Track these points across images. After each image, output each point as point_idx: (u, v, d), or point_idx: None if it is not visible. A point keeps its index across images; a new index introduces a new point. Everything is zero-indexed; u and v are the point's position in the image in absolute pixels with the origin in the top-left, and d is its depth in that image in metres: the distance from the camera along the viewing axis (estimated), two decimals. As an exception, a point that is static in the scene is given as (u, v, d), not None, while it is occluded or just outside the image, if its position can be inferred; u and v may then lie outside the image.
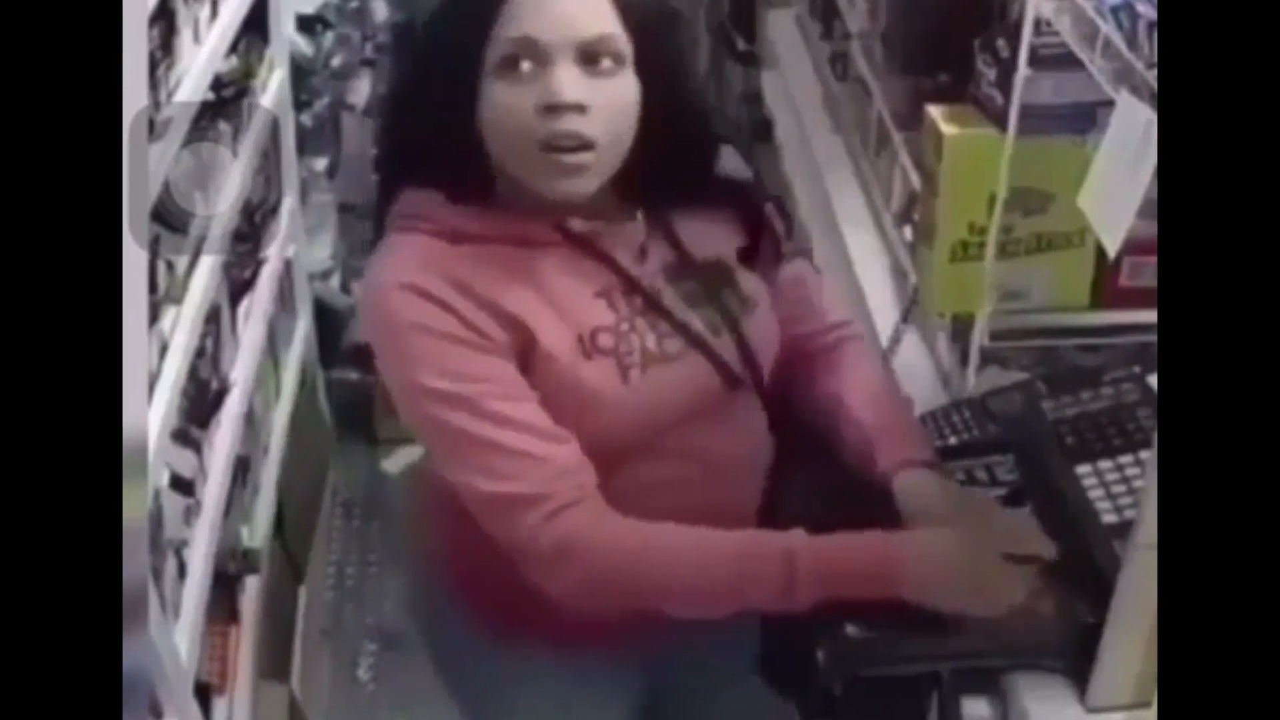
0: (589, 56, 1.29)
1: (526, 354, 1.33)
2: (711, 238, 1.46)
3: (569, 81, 1.27)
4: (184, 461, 2.08)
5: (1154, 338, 0.99)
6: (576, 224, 1.38)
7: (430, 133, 1.34)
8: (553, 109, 1.27)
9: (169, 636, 1.78)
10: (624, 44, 1.30)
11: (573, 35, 1.28)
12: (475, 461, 1.32)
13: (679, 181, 1.41)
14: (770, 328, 1.49)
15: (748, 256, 1.49)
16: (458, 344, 1.30)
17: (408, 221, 1.37)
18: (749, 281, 1.48)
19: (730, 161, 1.48)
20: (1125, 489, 1.41)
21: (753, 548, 1.33)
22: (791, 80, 2.98)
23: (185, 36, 2.08)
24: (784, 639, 1.42)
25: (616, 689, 1.59)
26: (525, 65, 1.28)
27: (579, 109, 1.28)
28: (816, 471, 1.52)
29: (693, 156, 1.42)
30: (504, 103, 1.29)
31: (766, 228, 1.50)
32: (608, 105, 1.30)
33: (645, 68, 1.33)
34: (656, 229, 1.43)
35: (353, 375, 3.37)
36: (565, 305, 1.35)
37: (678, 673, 1.61)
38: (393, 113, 1.47)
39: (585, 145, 1.29)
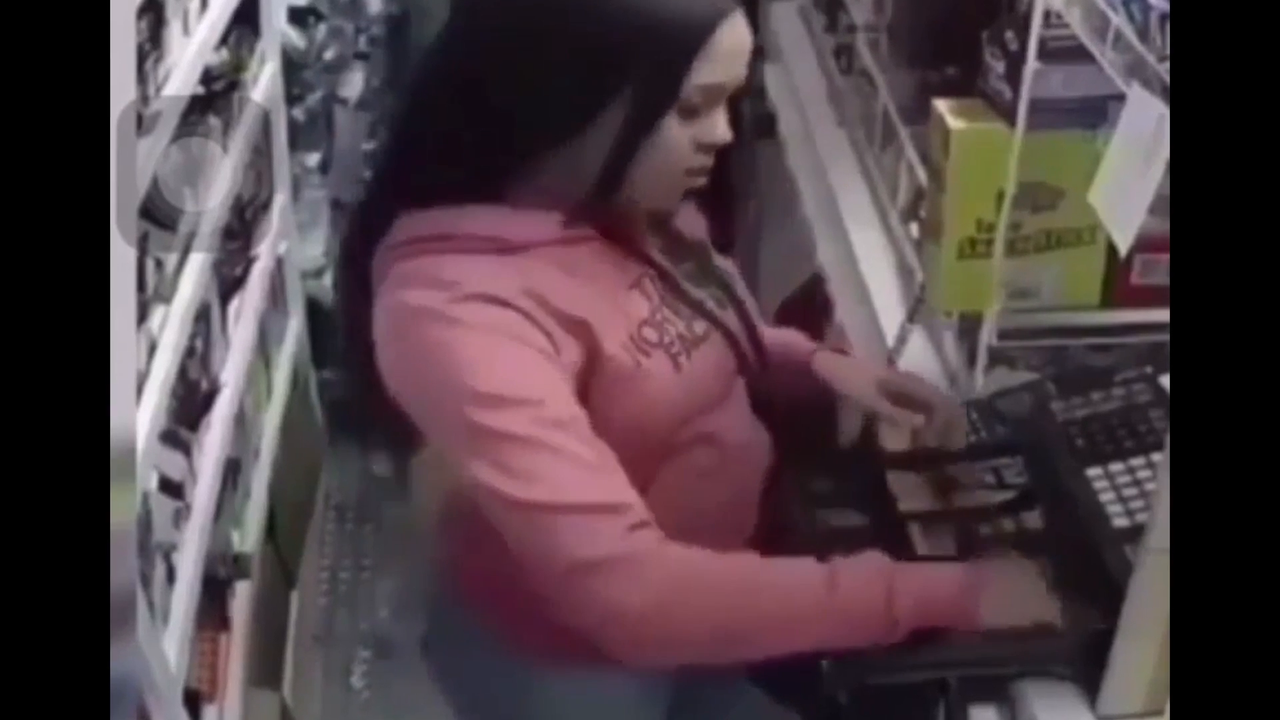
0: None
1: (592, 361, 1.30)
2: (690, 220, 1.51)
3: (723, 121, 1.35)
4: (173, 464, 2.08)
5: (1166, 337, 0.99)
6: (609, 223, 1.38)
7: (574, 148, 1.30)
8: (710, 147, 1.34)
9: (157, 643, 1.78)
10: None
11: (738, 82, 1.34)
12: (544, 471, 1.21)
13: None
14: (752, 306, 1.54)
15: (714, 236, 1.55)
16: (536, 352, 1.25)
17: (446, 244, 1.29)
18: (722, 261, 1.54)
19: None
20: (1137, 492, 1.41)
21: (849, 581, 1.27)
22: (795, 74, 2.98)
23: (174, 28, 2.08)
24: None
25: (646, 705, 1.59)
26: (700, 104, 1.31)
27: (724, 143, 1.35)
28: (815, 485, 1.54)
29: None
30: (674, 137, 1.31)
31: (724, 211, 1.56)
32: None
33: None
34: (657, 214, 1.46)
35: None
36: (616, 301, 1.36)
37: (702, 681, 1.60)
38: (413, 125, 1.38)
39: (705, 172, 1.37)
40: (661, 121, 1.30)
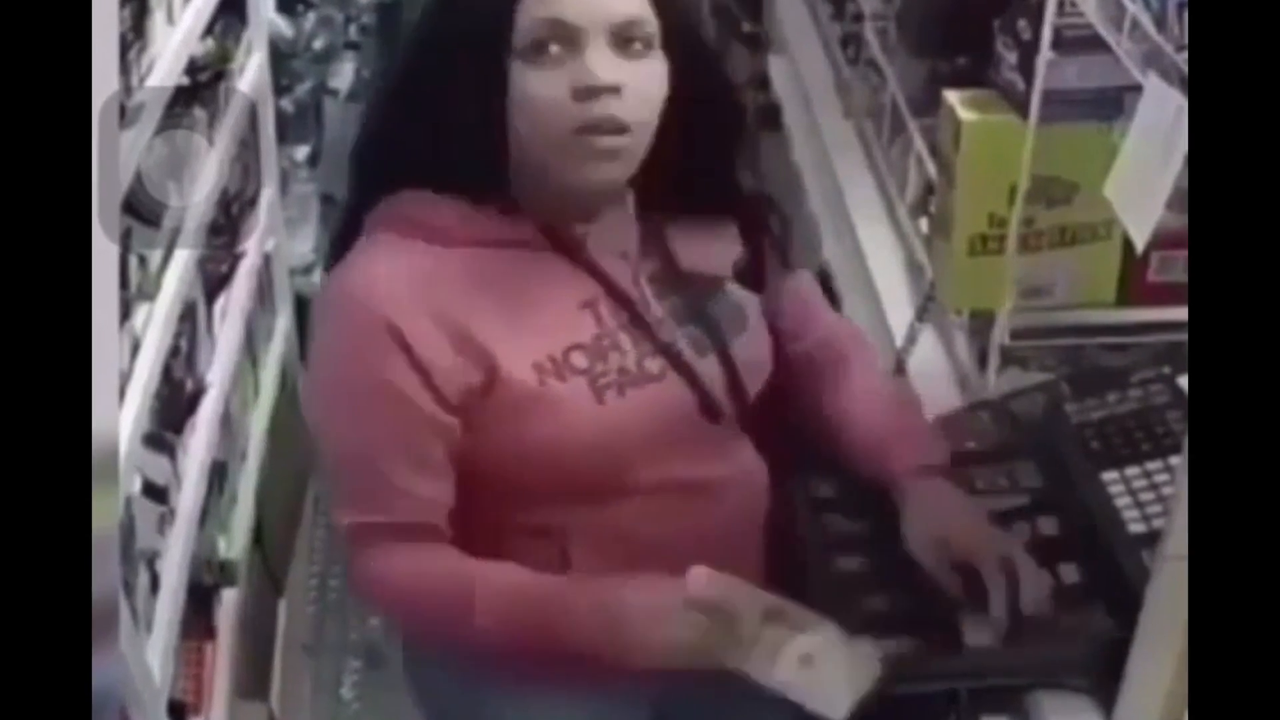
0: (620, 38, 1.30)
1: (490, 384, 1.33)
2: (705, 247, 1.46)
3: (604, 63, 1.28)
4: (157, 467, 2.08)
5: (1184, 336, 0.99)
6: (566, 226, 1.38)
7: (443, 123, 1.33)
8: (589, 92, 1.28)
9: (141, 653, 1.78)
10: (653, 26, 1.32)
11: (603, 16, 1.29)
12: (345, 487, 1.40)
13: (689, 183, 1.40)
14: (761, 349, 1.48)
15: (745, 270, 1.49)
16: (396, 379, 1.32)
17: (394, 223, 1.37)
18: (741, 298, 1.47)
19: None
20: (1154, 497, 1.41)
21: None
22: (800, 63, 2.98)
23: (158, 17, 2.08)
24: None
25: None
26: (554, 49, 1.28)
27: (614, 91, 1.28)
28: (819, 490, 1.53)
29: (712, 156, 1.42)
30: (535, 88, 1.29)
31: (769, 240, 1.51)
32: (641, 88, 1.31)
33: (675, 53, 1.34)
34: (649, 234, 1.43)
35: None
36: (544, 320, 1.36)
37: (686, 703, 1.59)
38: (390, 102, 1.42)
39: (621, 129, 1.30)
40: (508, 68, 1.29)
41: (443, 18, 1.36)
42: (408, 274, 1.34)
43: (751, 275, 1.50)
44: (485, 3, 1.30)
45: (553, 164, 1.32)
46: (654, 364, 1.39)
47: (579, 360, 1.36)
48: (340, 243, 1.42)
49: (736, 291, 1.48)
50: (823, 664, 1.28)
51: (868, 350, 1.62)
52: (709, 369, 1.42)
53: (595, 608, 1.30)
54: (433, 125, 1.33)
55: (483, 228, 1.36)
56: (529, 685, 1.48)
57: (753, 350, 1.47)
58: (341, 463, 1.39)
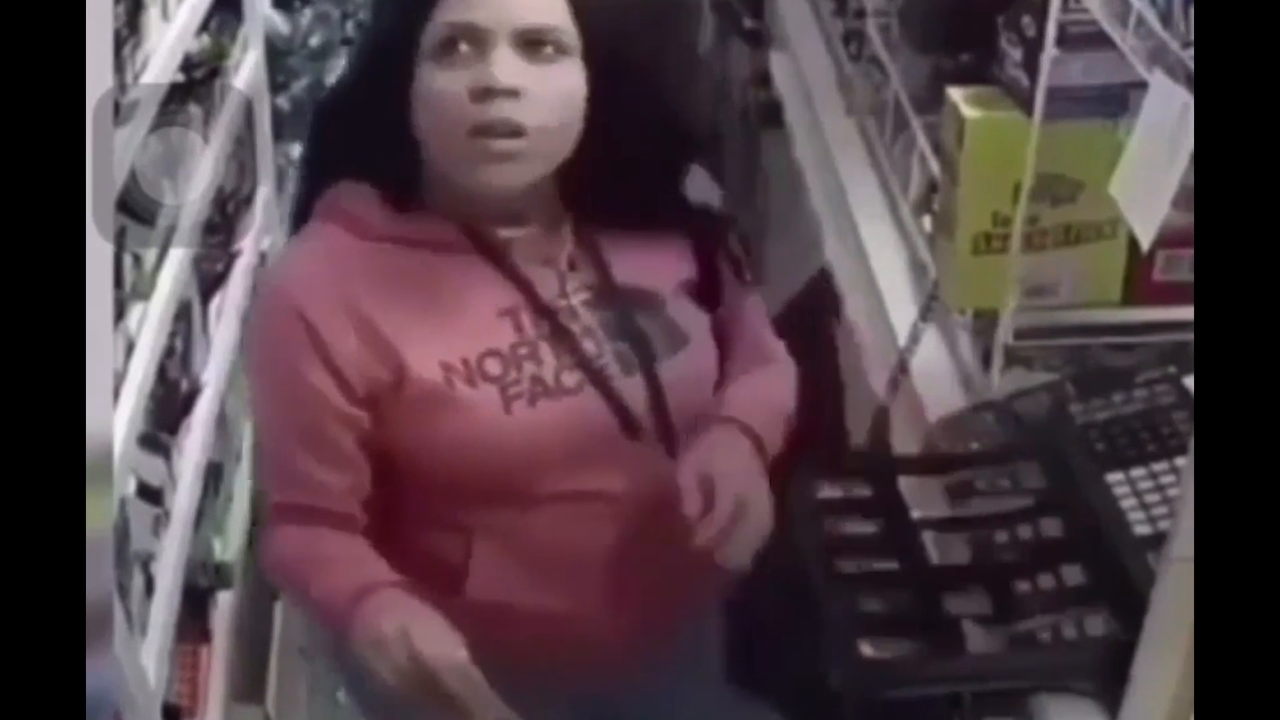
0: (529, 43, 1.32)
1: (399, 381, 1.36)
2: (646, 263, 1.45)
3: (505, 66, 1.30)
4: (152, 468, 2.08)
5: (1190, 336, 0.99)
6: (490, 231, 1.39)
7: (362, 121, 1.38)
8: (486, 93, 1.30)
9: (135, 656, 1.78)
10: (570, 35, 1.33)
11: (510, 21, 1.30)
12: (262, 467, 1.50)
13: (624, 196, 1.41)
14: (700, 369, 1.48)
15: (697, 288, 1.48)
16: (309, 369, 1.36)
17: (328, 213, 1.41)
18: (685, 317, 1.47)
19: (699, 183, 1.49)
20: (1159, 498, 1.41)
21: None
22: (802, 60, 2.98)
23: (153, 13, 2.08)
24: (790, 658, 1.42)
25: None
26: (463, 48, 1.31)
27: (512, 94, 1.30)
28: (819, 492, 1.53)
29: (643, 169, 1.41)
30: (437, 86, 1.31)
31: (725, 260, 1.50)
32: (545, 93, 1.32)
33: (597, 62, 1.34)
34: (583, 245, 1.43)
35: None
36: (458, 322, 1.38)
37: (619, 706, 1.59)
38: (329, 101, 1.51)
39: (516, 132, 1.31)
40: (416, 69, 1.32)
41: (372, 21, 1.43)
42: (325, 265, 1.38)
43: (705, 293, 1.50)
44: (404, 6, 1.35)
45: (450, 165, 1.35)
46: (571, 378, 1.40)
47: (493, 367, 1.37)
48: (292, 236, 1.48)
49: (681, 309, 1.47)
50: None
51: (784, 364, 1.60)
52: (632, 386, 1.42)
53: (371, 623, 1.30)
54: (357, 124, 1.38)
55: (403, 225, 1.39)
56: None
57: (689, 369, 1.46)
58: (260, 444, 1.49)
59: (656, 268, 1.46)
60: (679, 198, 1.46)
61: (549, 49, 1.32)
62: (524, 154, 1.32)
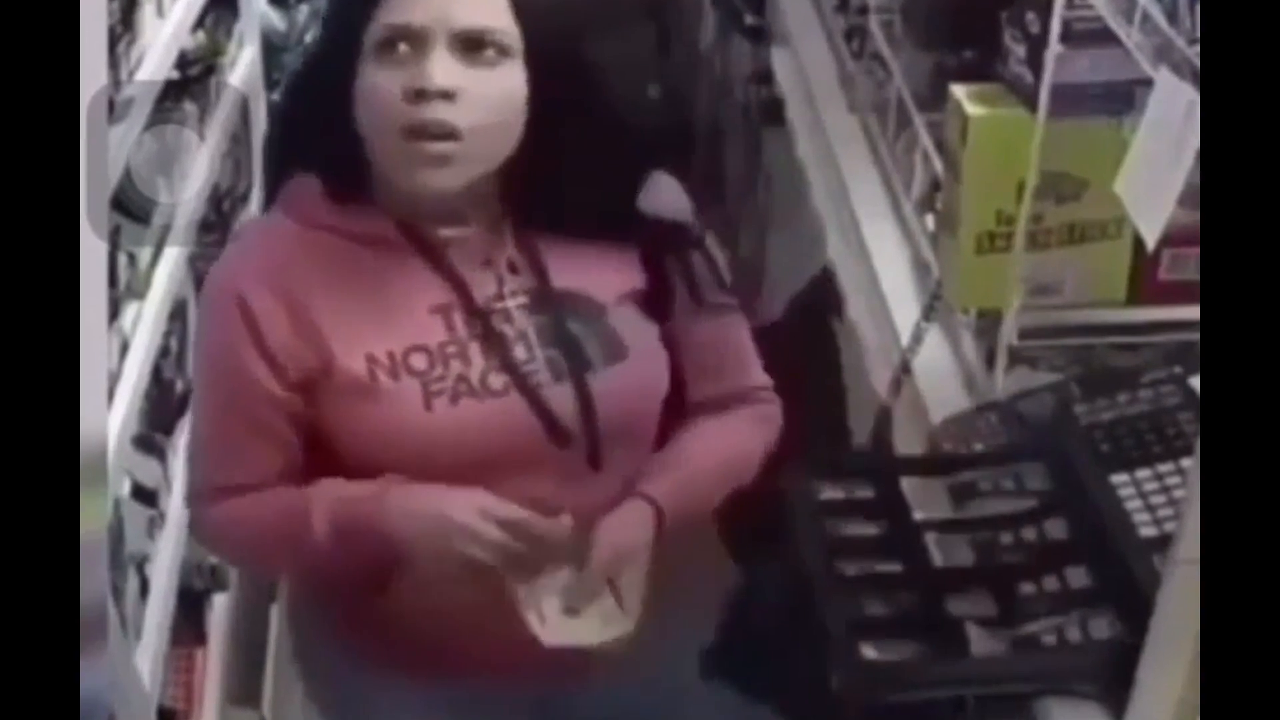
0: (469, 45, 1.32)
1: (327, 368, 1.39)
2: (588, 270, 1.44)
3: (440, 68, 1.31)
4: (146, 470, 2.08)
5: (1196, 336, 0.99)
6: (427, 230, 1.40)
7: (311, 118, 1.41)
8: (420, 94, 1.31)
9: (130, 659, 1.78)
10: (511, 37, 1.33)
11: (449, 22, 1.31)
12: (193, 447, 1.52)
13: (563, 199, 1.40)
14: (639, 382, 1.46)
15: (645, 300, 1.47)
16: (244, 355, 1.39)
17: (280, 203, 1.45)
18: (629, 327, 1.45)
19: (669, 193, 1.48)
20: (1165, 500, 1.41)
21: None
22: (804, 57, 2.98)
23: (148, 10, 2.07)
24: (791, 661, 1.42)
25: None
26: (402, 49, 1.32)
27: (447, 96, 1.31)
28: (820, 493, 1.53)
29: (587, 174, 1.40)
30: (375, 86, 1.33)
31: (680, 273, 1.47)
32: (482, 95, 1.32)
33: (537, 66, 1.34)
34: (524, 250, 1.43)
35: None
36: (388, 316, 1.39)
37: (569, 699, 1.59)
38: (283, 95, 1.59)
39: (451, 134, 1.32)
40: (357, 67, 1.34)
41: (323, 19, 1.49)
42: (266, 252, 1.43)
43: (655, 305, 1.48)
44: (348, 5, 1.37)
45: (386, 165, 1.37)
46: (498, 380, 1.40)
47: (418, 362, 1.39)
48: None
49: (625, 319, 1.45)
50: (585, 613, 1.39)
51: (758, 406, 1.56)
52: (561, 393, 1.41)
53: (412, 512, 1.37)
54: (306, 119, 1.43)
55: (344, 218, 1.41)
56: (413, 675, 1.52)
57: (625, 381, 1.44)
58: (195, 426, 1.51)
59: (599, 275, 1.45)
60: (628, 205, 1.44)
61: (490, 51, 1.32)
62: (458, 157, 1.33)
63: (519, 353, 1.41)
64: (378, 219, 1.41)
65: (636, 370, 1.45)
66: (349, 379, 1.38)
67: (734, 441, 1.53)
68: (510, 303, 1.42)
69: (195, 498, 1.51)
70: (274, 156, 1.52)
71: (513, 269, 1.43)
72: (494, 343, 1.40)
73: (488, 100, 1.32)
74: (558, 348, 1.42)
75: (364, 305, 1.40)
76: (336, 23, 1.42)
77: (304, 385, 1.40)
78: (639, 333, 1.46)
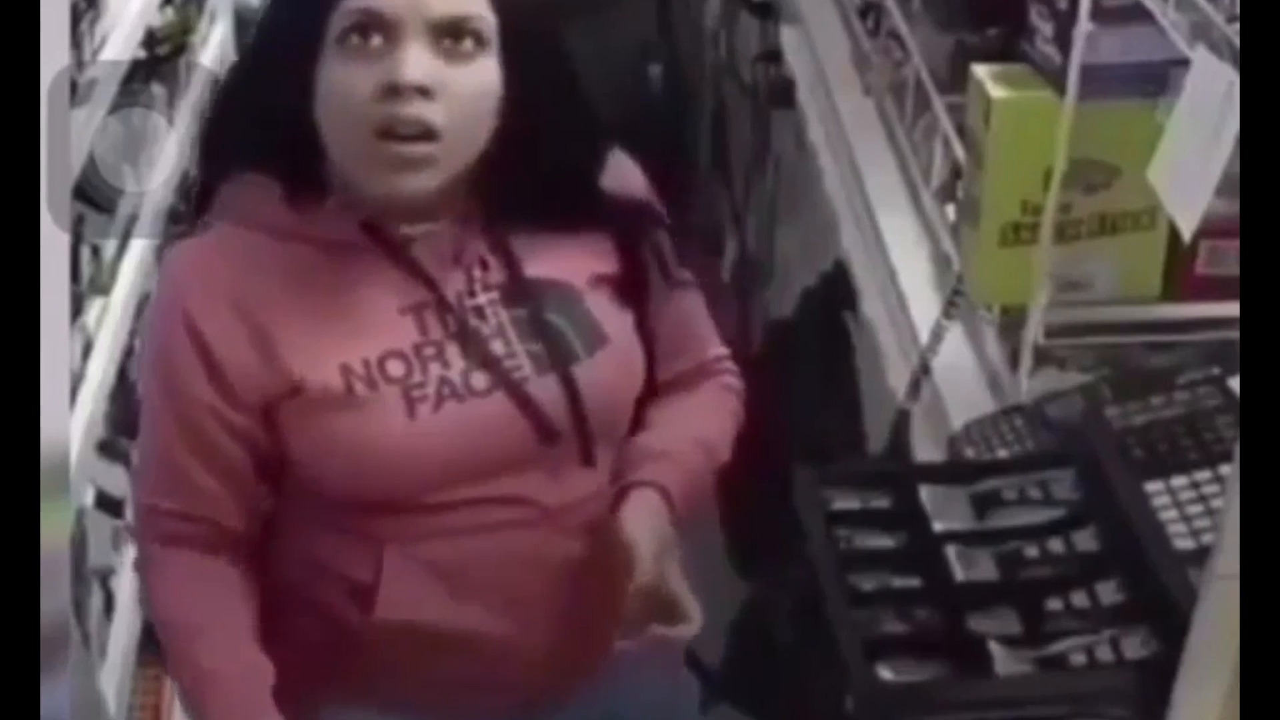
0: (444, 36, 1.30)
1: (297, 389, 1.37)
2: (561, 258, 1.45)
3: (416, 61, 1.29)
4: (111, 477, 2.09)
5: (1235, 334, 0.99)
6: (389, 227, 1.39)
7: (260, 110, 1.37)
8: (394, 91, 1.29)
9: (93, 679, 1.78)
10: (488, 25, 1.32)
11: (425, 10, 1.29)
12: (137, 465, 1.51)
13: (533, 189, 1.41)
14: (620, 369, 1.47)
15: (619, 283, 1.48)
16: (193, 399, 1.38)
17: (225, 207, 1.41)
18: (606, 314, 1.46)
19: (630, 171, 1.49)
20: (1202, 509, 1.41)
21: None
22: (816, 35, 2.98)
23: (113, -15, 2.08)
24: (804, 682, 1.42)
25: None
26: (373, 40, 1.30)
27: (424, 93, 1.29)
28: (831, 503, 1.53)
29: (556, 162, 1.41)
30: (340, 80, 1.30)
31: (649, 253, 1.49)
32: (460, 92, 1.31)
33: (513, 55, 1.34)
34: (494, 242, 1.43)
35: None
36: (358, 323, 1.38)
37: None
38: (227, 85, 1.51)
39: (428, 134, 1.30)
40: (317, 58, 1.31)
41: (273, 2, 1.42)
42: (216, 264, 1.40)
43: (628, 290, 1.49)
44: None
45: (352, 167, 1.34)
46: (480, 379, 1.40)
47: (395, 368, 1.38)
48: (188, 225, 1.48)
49: (601, 305, 1.46)
50: None
51: (726, 377, 1.59)
52: (547, 387, 1.42)
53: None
54: (255, 110, 1.38)
55: (300, 221, 1.39)
56: (372, 706, 1.51)
57: (610, 368, 1.45)
58: (143, 445, 1.49)
59: (571, 262, 1.46)
60: (594, 188, 1.45)
61: (467, 42, 1.31)
62: (434, 159, 1.32)
63: (497, 348, 1.41)
64: (338, 220, 1.39)
65: (617, 358, 1.46)
66: (322, 393, 1.37)
67: (709, 419, 1.56)
68: (483, 298, 1.42)
69: (138, 520, 1.50)
70: (214, 151, 1.47)
71: (483, 263, 1.42)
72: (472, 340, 1.40)
73: (465, 98, 1.31)
74: (539, 340, 1.42)
75: (330, 313, 1.38)
76: (294, 6, 1.37)
77: (263, 408, 1.39)
78: (616, 319, 1.47)
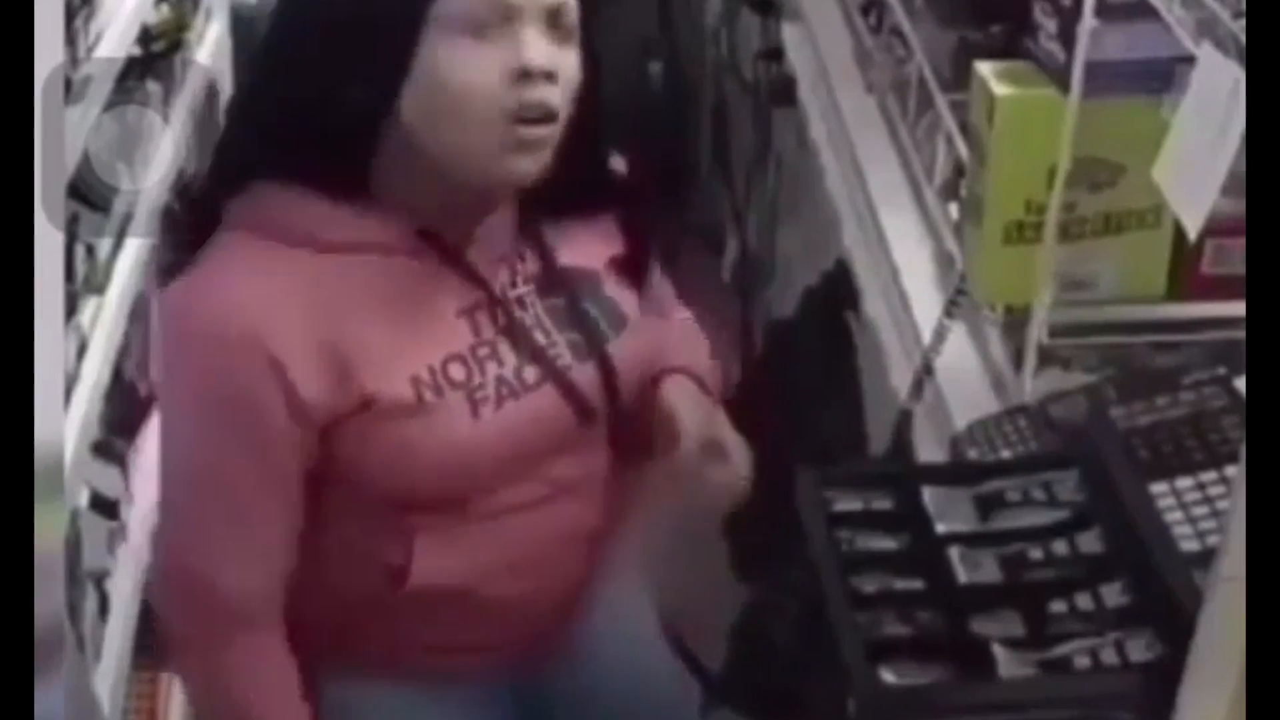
0: (553, 21, 1.32)
1: (366, 401, 1.36)
2: (582, 244, 1.49)
3: (540, 46, 1.30)
4: (106, 478, 2.09)
5: (1242, 334, 0.99)
6: (446, 228, 1.39)
7: (300, 114, 1.32)
8: (525, 75, 1.29)
9: (88, 682, 1.78)
10: (575, 14, 1.34)
11: None
12: (183, 527, 1.44)
13: (566, 177, 1.40)
14: (639, 347, 1.51)
15: (624, 265, 1.52)
16: (240, 415, 1.35)
17: (256, 222, 1.37)
18: (621, 295, 1.51)
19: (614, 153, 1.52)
20: (1207, 511, 1.41)
21: None
22: (817, 32, 2.99)
23: (108, -19, 2.08)
24: (805, 685, 1.42)
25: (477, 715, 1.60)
26: (489, 26, 1.29)
27: (549, 77, 1.31)
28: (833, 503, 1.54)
29: (586, 147, 1.42)
30: (460, 68, 1.29)
31: (650, 231, 1.54)
32: (570, 77, 1.33)
33: (584, 44, 1.36)
34: (527, 233, 1.45)
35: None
36: (421, 330, 1.39)
37: (543, 696, 1.61)
38: (253, 89, 1.47)
39: (549, 117, 1.32)
40: (419, 44, 1.28)
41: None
42: (273, 285, 1.35)
43: (632, 270, 1.53)
44: None
45: (464, 156, 1.33)
46: (531, 373, 1.42)
47: (456, 372, 1.39)
48: (190, 239, 1.41)
49: (615, 287, 1.51)
50: None
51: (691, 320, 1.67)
52: (586, 372, 1.46)
53: None
54: (306, 109, 1.32)
55: (349, 231, 1.36)
56: (381, 674, 1.53)
57: (635, 348, 1.50)
58: (178, 502, 1.44)
59: (591, 248, 1.50)
60: (609, 173, 1.51)
61: (566, 29, 1.33)
62: (550, 141, 1.33)
63: (539, 339, 1.44)
64: (389, 225, 1.37)
65: (640, 336, 1.51)
66: (393, 405, 1.36)
67: (700, 336, 1.65)
68: (523, 289, 1.44)
69: (181, 590, 1.45)
70: (232, 161, 1.42)
71: (520, 255, 1.45)
72: (520, 335, 1.42)
73: (572, 83, 1.34)
74: (575, 329, 1.46)
75: (395, 324, 1.37)
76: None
77: (324, 427, 1.37)
78: (628, 299, 1.52)
